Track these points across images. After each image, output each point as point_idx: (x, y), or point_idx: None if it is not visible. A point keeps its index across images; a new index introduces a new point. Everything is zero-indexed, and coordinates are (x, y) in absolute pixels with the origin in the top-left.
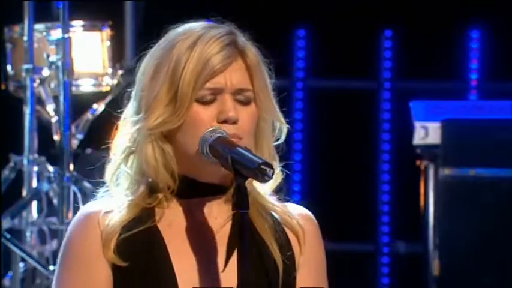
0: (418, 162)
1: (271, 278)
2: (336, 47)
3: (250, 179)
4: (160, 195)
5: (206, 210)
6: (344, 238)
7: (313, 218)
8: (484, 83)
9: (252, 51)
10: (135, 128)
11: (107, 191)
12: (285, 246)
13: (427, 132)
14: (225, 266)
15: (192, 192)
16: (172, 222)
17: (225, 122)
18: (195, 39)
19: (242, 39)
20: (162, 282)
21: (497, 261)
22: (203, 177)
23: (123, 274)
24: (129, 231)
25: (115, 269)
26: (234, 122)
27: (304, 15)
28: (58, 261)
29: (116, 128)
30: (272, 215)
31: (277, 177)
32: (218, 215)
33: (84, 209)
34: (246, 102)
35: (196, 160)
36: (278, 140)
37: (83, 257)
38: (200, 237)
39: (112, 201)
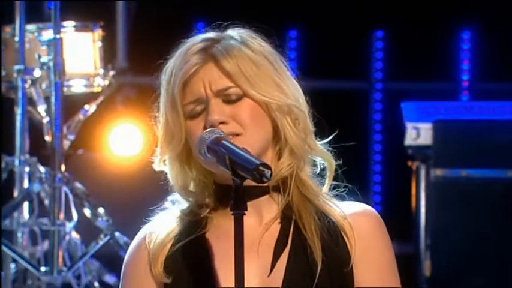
0: (409, 163)
1: (308, 278)
2: (327, 48)
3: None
4: (205, 210)
5: (254, 214)
6: None
7: (373, 213)
8: (475, 84)
9: (233, 50)
10: (160, 160)
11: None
12: (333, 242)
13: (419, 133)
14: (272, 268)
15: (229, 197)
16: (219, 231)
17: (211, 127)
18: (176, 58)
19: (221, 41)
20: None
21: (489, 261)
22: (229, 180)
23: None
24: (178, 243)
25: (164, 285)
26: (222, 123)
27: (296, 16)
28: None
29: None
30: (321, 211)
31: (329, 160)
32: (268, 219)
33: (137, 235)
34: (237, 100)
35: (214, 171)
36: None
37: (135, 281)
38: (247, 243)
39: (158, 221)
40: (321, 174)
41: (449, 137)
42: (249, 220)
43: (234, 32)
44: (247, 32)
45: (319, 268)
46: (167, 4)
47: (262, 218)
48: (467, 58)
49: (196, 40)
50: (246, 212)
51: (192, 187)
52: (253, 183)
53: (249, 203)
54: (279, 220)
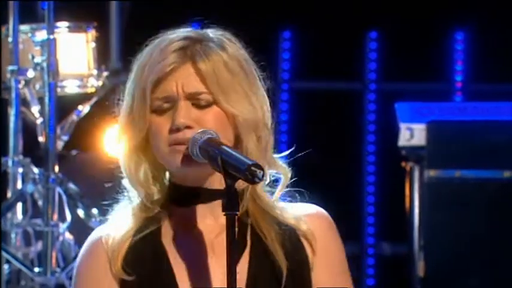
0: (403, 164)
1: (274, 283)
2: (321, 49)
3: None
4: (157, 205)
5: (211, 216)
6: None
7: (325, 215)
8: (469, 85)
9: (212, 54)
10: (116, 142)
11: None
12: (294, 250)
13: (412, 134)
14: (228, 274)
15: (186, 199)
16: (176, 232)
17: (178, 130)
18: (152, 51)
19: (202, 42)
20: None
21: (482, 262)
22: (190, 182)
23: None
24: (134, 243)
25: (123, 284)
26: (188, 127)
27: (290, 17)
28: None
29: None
30: (280, 220)
31: (286, 174)
32: (220, 220)
33: (90, 237)
34: (205, 106)
35: (170, 169)
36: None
37: (91, 283)
38: (202, 246)
39: (113, 221)
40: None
41: (443, 138)
42: (206, 221)
43: (214, 34)
44: (227, 35)
45: (284, 274)
46: (161, 4)
47: (218, 220)
48: (460, 59)
49: (176, 37)
50: (238, 212)
51: (142, 177)
52: (211, 187)
53: (204, 205)
54: (236, 224)
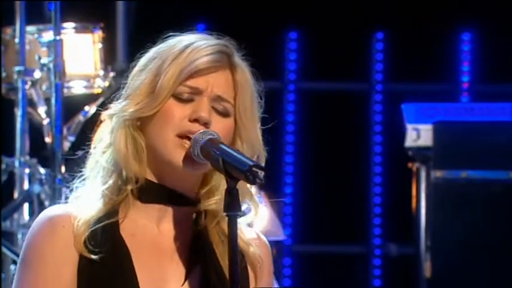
0: (409, 165)
1: None
2: (327, 49)
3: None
4: (127, 191)
5: (169, 222)
6: (336, 240)
7: (269, 246)
8: (476, 86)
9: (245, 71)
10: (113, 115)
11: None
12: (242, 277)
13: (419, 135)
14: (184, 281)
15: (153, 196)
16: (134, 224)
17: (196, 121)
18: (189, 43)
19: (237, 56)
20: (123, 280)
21: (489, 262)
22: (166, 181)
23: (90, 266)
24: (98, 224)
25: (82, 262)
26: (205, 124)
27: (296, 17)
28: (19, 264)
29: (99, 124)
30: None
31: (257, 213)
32: (180, 230)
33: (49, 212)
34: (223, 114)
35: (159, 159)
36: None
37: (48, 260)
38: (160, 244)
39: (80, 201)
40: None
41: (449, 139)
42: (162, 225)
43: (238, 54)
44: (245, 61)
45: None
46: (167, 5)
47: (176, 227)
48: (467, 60)
49: (217, 41)
50: (239, 213)
51: (134, 152)
52: (180, 190)
53: (166, 208)
54: (189, 234)
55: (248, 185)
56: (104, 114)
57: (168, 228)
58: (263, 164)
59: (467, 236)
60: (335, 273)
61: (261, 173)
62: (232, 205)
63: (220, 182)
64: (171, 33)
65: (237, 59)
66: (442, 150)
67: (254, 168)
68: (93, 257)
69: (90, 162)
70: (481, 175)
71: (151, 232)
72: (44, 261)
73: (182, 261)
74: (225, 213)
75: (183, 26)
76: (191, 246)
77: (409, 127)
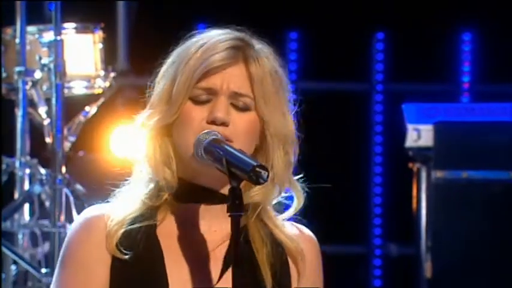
0: (410, 165)
1: None
2: (328, 50)
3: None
4: (165, 196)
5: (206, 220)
6: (336, 240)
7: (315, 240)
8: (476, 86)
9: (261, 61)
10: (141, 125)
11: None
12: (281, 274)
13: (419, 135)
14: (219, 279)
15: (190, 196)
16: (171, 227)
17: (213, 122)
18: (205, 41)
19: (254, 48)
20: (154, 284)
21: (490, 263)
22: (199, 180)
23: (122, 267)
24: (132, 225)
25: (115, 262)
26: (223, 124)
27: (297, 17)
28: (58, 263)
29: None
30: (275, 240)
31: (300, 199)
32: (218, 227)
33: (86, 213)
34: (243, 109)
35: (189, 160)
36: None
37: (82, 260)
38: (196, 246)
39: (117, 202)
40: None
41: (450, 139)
42: (200, 224)
43: (258, 45)
44: (269, 49)
45: None
46: (168, 5)
47: (212, 225)
48: (467, 60)
49: (229, 36)
50: (243, 213)
51: (162, 161)
52: (214, 187)
53: (204, 207)
54: (229, 232)
55: (286, 170)
56: (135, 125)
57: (207, 227)
58: (295, 142)
59: (467, 236)
60: (335, 274)
61: (265, 173)
62: (236, 205)
63: None
64: (193, 32)
65: (252, 50)
66: (442, 150)
67: (257, 169)
68: (125, 257)
69: (134, 171)
70: (481, 175)
71: (189, 233)
72: (77, 262)
73: (219, 260)
74: (228, 214)
75: (183, 26)
76: (229, 244)
77: (410, 127)
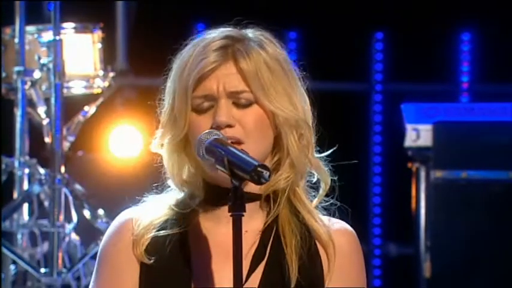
0: (409, 165)
1: None
2: (327, 50)
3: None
4: (196, 202)
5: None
6: None
7: (353, 234)
8: (475, 86)
9: (253, 53)
10: (158, 143)
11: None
12: (310, 264)
13: (419, 135)
14: (246, 279)
15: (218, 199)
16: (202, 231)
17: (218, 128)
18: (194, 48)
19: (244, 41)
20: None
21: (489, 263)
22: (223, 183)
23: (149, 272)
24: (161, 231)
25: (143, 267)
26: (229, 126)
27: (296, 17)
28: (95, 267)
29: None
30: (306, 228)
31: (326, 179)
32: (249, 227)
33: (118, 217)
34: (246, 105)
35: (207, 168)
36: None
37: (113, 262)
38: (226, 248)
39: (146, 206)
40: (312, 187)
41: (449, 139)
42: (230, 225)
43: (253, 34)
44: (265, 35)
45: (292, 286)
46: (167, 5)
47: (243, 226)
48: (467, 60)
49: (217, 36)
50: (244, 213)
51: (185, 176)
52: (246, 189)
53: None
54: (260, 230)
55: (303, 153)
56: (152, 148)
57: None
58: (311, 121)
59: (467, 236)
60: None
61: (266, 173)
62: (237, 205)
63: (277, 158)
64: (190, 38)
65: (241, 45)
66: (441, 150)
67: (259, 168)
68: (150, 262)
69: (167, 181)
70: (481, 175)
71: (220, 235)
72: (109, 265)
73: (248, 259)
74: (229, 214)
75: (182, 26)
76: (258, 245)
77: (409, 127)
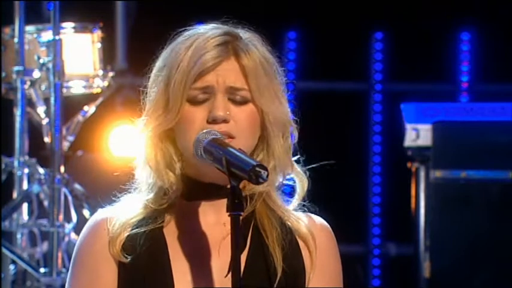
0: (409, 164)
1: (268, 285)
2: (326, 49)
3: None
4: (171, 197)
5: (215, 214)
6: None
7: (330, 230)
8: (475, 85)
9: (251, 53)
10: (139, 131)
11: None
12: (292, 255)
13: (418, 134)
14: (229, 271)
15: (197, 193)
16: (179, 226)
17: (214, 121)
18: (192, 41)
19: (242, 39)
20: (160, 286)
21: (488, 262)
22: (205, 177)
23: (127, 271)
24: (136, 229)
25: (120, 266)
26: (224, 121)
27: (295, 17)
28: (70, 268)
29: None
30: (284, 224)
31: (303, 183)
32: (227, 219)
33: (92, 217)
34: (241, 102)
35: (194, 161)
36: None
37: (90, 263)
38: (205, 242)
39: (121, 205)
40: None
41: (448, 138)
42: (209, 218)
43: (245, 35)
44: (256, 36)
45: (278, 276)
46: (167, 5)
47: (221, 218)
48: (466, 59)
49: (217, 32)
50: (242, 213)
51: (166, 165)
52: (220, 182)
53: (211, 202)
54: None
55: (287, 156)
56: (135, 133)
57: (214, 221)
58: (295, 133)
59: (466, 236)
60: None
61: (264, 173)
62: (235, 205)
63: (260, 158)
64: (178, 30)
65: (241, 42)
66: (441, 150)
67: (257, 168)
68: (129, 261)
69: (137, 176)
70: (480, 175)
71: (198, 228)
72: (84, 265)
73: (228, 253)
74: (228, 213)
75: (182, 26)
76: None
77: (409, 127)
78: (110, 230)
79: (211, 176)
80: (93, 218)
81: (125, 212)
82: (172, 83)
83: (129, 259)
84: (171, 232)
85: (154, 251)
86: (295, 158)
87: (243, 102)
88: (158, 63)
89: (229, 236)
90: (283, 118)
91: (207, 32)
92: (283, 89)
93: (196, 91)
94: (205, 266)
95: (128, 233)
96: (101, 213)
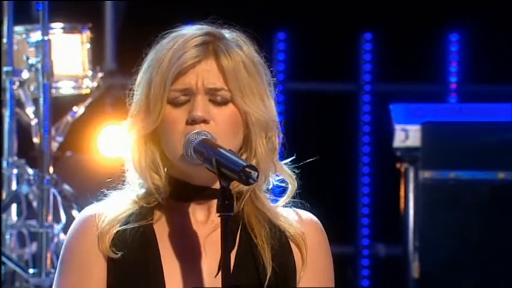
0: (398, 165)
1: (258, 284)
2: (316, 50)
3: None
4: (160, 197)
5: (203, 213)
6: None
7: (319, 224)
8: (464, 86)
9: (234, 52)
10: (125, 133)
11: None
12: (282, 254)
13: (407, 135)
14: (219, 270)
15: (185, 194)
16: (168, 224)
17: (193, 122)
18: (174, 42)
19: (224, 40)
20: (151, 283)
21: (477, 263)
22: (191, 179)
23: (116, 267)
24: (125, 225)
25: (110, 262)
26: (204, 121)
27: (284, 18)
28: (58, 265)
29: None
30: (274, 223)
31: (291, 182)
32: (215, 218)
33: (81, 213)
34: (221, 103)
35: (180, 162)
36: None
37: (79, 260)
38: (194, 241)
39: (110, 202)
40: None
41: (437, 139)
42: (197, 216)
43: (229, 34)
44: (241, 36)
45: (268, 275)
46: (156, 5)
47: (210, 217)
48: (455, 60)
49: (197, 32)
50: (232, 213)
51: (150, 167)
52: (211, 185)
53: (199, 202)
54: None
55: (269, 156)
56: (120, 136)
57: (202, 221)
58: (278, 126)
59: (455, 237)
60: None
61: (254, 174)
62: (226, 205)
63: (244, 158)
64: (165, 32)
65: (222, 43)
66: (430, 150)
67: (247, 169)
68: (119, 257)
69: (126, 173)
70: (469, 176)
71: (187, 226)
72: (73, 262)
73: (217, 252)
74: (218, 214)
75: (172, 26)
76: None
77: (398, 127)
78: (99, 226)
79: (197, 178)
80: (82, 214)
81: (113, 208)
82: (153, 84)
83: (118, 255)
84: (160, 229)
85: (145, 247)
86: (289, 159)
87: (224, 102)
88: (143, 65)
89: (218, 231)
90: (266, 118)
91: (188, 32)
92: (269, 89)
93: (177, 93)
94: (196, 262)
95: (117, 229)
96: (90, 210)
